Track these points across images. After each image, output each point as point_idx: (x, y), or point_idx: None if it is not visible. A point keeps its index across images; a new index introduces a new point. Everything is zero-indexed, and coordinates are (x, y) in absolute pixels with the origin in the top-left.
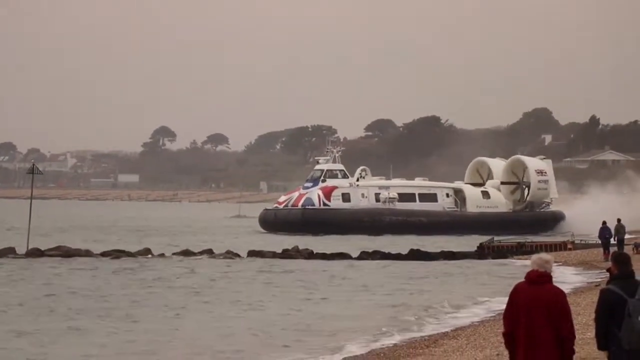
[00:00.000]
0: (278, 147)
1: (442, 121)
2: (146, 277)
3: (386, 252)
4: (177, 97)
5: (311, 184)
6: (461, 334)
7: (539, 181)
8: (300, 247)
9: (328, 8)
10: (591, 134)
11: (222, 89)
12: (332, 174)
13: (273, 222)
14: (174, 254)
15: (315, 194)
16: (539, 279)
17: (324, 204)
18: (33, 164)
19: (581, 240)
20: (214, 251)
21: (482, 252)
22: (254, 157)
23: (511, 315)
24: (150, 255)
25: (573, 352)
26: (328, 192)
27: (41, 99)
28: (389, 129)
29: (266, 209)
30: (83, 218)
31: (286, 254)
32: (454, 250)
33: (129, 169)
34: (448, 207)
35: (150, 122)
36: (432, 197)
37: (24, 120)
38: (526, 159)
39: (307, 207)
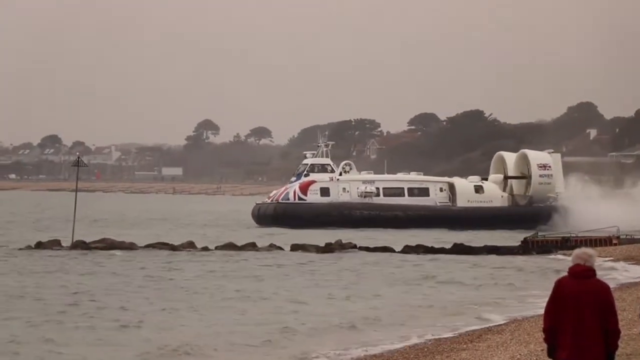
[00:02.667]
0: (321, 140)
1: (486, 115)
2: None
3: (429, 246)
4: (221, 91)
5: (295, 179)
6: (505, 329)
7: (541, 175)
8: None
9: (372, 4)
10: (637, 129)
11: (266, 83)
12: (316, 168)
13: (257, 216)
14: (217, 247)
15: (292, 188)
16: (584, 273)
17: (300, 198)
18: (78, 157)
19: (626, 236)
20: (257, 244)
21: (526, 247)
22: (297, 151)
23: (555, 310)
24: (190, 249)
25: (616, 347)
26: (305, 187)
27: (86, 92)
28: (432, 123)
29: (257, 203)
30: (126, 210)
31: (328, 248)
32: (498, 244)
33: (172, 162)
34: (440, 202)
35: (194, 116)
36: (423, 192)
37: (69, 113)
38: (530, 153)
39: (281, 201)
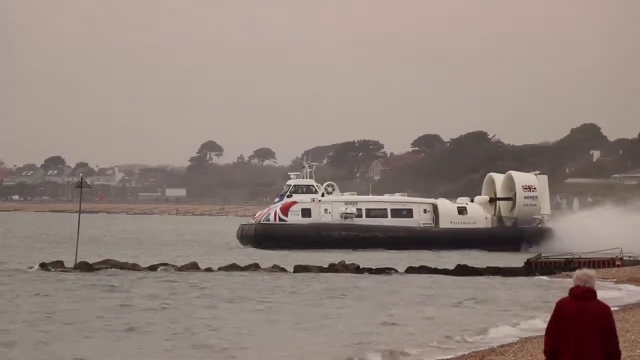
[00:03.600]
0: (324, 161)
1: (490, 136)
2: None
3: (432, 267)
4: (224, 113)
5: (278, 199)
6: (508, 350)
7: (526, 197)
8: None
9: (375, 23)
10: None
11: (269, 105)
12: (299, 189)
13: (241, 237)
14: (219, 268)
15: (274, 209)
16: (585, 295)
17: (280, 219)
18: (82, 178)
19: (630, 257)
20: (260, 265)
21: (529, 268)
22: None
23: (556, 331)
24: (192, 270)
25: None
26: (286, 208)
27: (89, 113)
28: (435, 144)
29: (241, 224)
30: (128, 231)
31: (332, 269)
32: (500, 265)
33: (176, 183)
34: (424, 223)
35: (197, 137)
36: (406, 213)
37: (72, 135)
38: (515, 175)
39: (262, 222)
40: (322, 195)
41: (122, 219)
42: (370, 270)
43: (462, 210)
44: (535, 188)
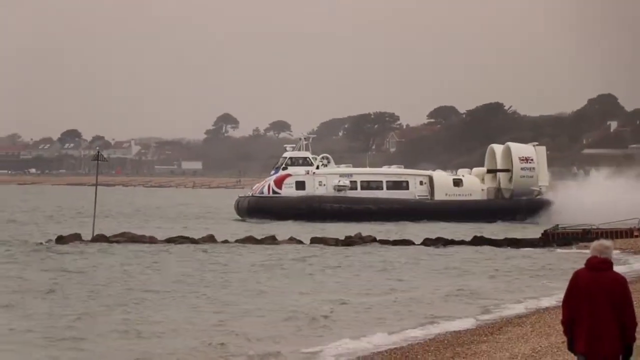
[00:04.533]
0: (340, 134)
1: (506, 108)
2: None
3: (449, 238)
4: (240, 85)
5: (274, 172)
6: (526, 321)
7: (522, 168)
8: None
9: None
10: None
11: (285, 77)
12: (295, 162)
13: (237, 209)
14: (236, 240)
15: (268, 182)
16: (600, 265)
17: (274, 192)
18: (98, 151)
19: None
20: (277, 238)
21: (546, 239)
22: (316, 144)
23: (571, 302)
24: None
25: (634, 339)
26: (279, 180)
27: (105, 87)
28: (451, 116)
29: (239, 196)
30: (145, 204)
31: (349, 241)
32: (518, 237)
33: (192, 156)
34: (419, 195)
35: (213, 110)
36: (403, 185)
37: (88, 108)
38: (512, 146)
39: (256, 195)
40: (317, 167)
41: (138, 192)
42: (387, 242)
43: (457, 182)
44: (532, 159)
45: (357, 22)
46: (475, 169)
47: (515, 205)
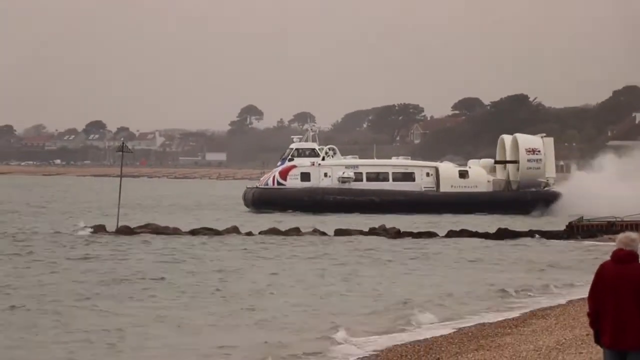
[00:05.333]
0: (365, 125)
1: (531, 99)
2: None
3: (474, 230)
4: (265, 76)
5: (280, 163)
6: (550, 314)
7: (529, 160)
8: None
9: None
10: None
11: (309, 68)
12: (301, 153)
13: (245, 200)
14: (260, 232)
15: (273, 173)
16: (626, 258)
17: (279, 184)
18: (123, 143)
19: None
20: (301, 230)
21: (571, 232)
22: (340, 136)
23: (597, 294)
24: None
25: None
26: (285, 172)
27: (130, 78)
28: (476, 108)
29: (247, 187)
30: (170, 196)
31: (373, 232)
32: (543, 229)
33: (216, 147)
34: (426, 187)
35: (237, 101)
36: (409, 177)
37: (113, 99)
38: (520, 137)
39: (260, 186)
40: (323, 159)
41: (163, 183)
42: (412, 234)
43: (463, 174)
44: (539, 151)
45: (381, 14)
46: (482, 160)
47: (521, 197)
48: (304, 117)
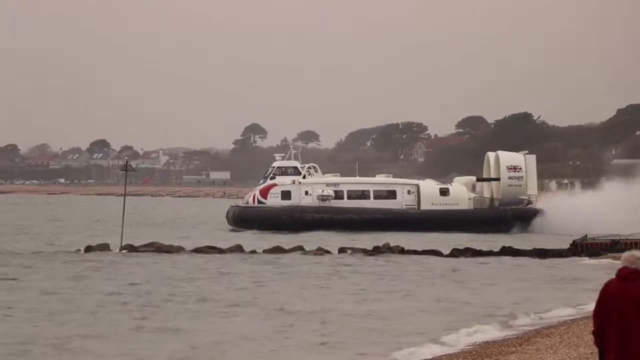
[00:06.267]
0: (368, 144)
1: (534, 118)
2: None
3: (477, 249)
4: (268, 95)
5: (262, 181)
6: (554, 332)
7: (510, 177)
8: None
9: (420, 9)
10: None
11: (313, 87)
12: (284, 172)
13: (227, 219)
14: (264, 250)
15: (254, 192)
16: (630, 276)
17: (259, 202)
18: (127, 161)
19: None
20: (305, 248)
21: (575, 250)
22: (344, 154)
23: (601, 312)
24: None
25: None
26: (265, 191)
27: (134, 97)
28: (480, 126)
29: (231, 205)
30: (172, 214)
31: (377, 250)
32: (547, 247)
33: (220, 166)
34: (407, 205)
35: (241, 120)
36: (390, 194)
37: (117, 118)
38: (502, 155)
39: (241, 205)
40: (304, 177)
41: (166, 202)
42: (415, 252)
43: (444, 192)
44: (520, 168)
45: (386, 32)
46: (464, 178)
47: (501, 215)
48: (308, 136)
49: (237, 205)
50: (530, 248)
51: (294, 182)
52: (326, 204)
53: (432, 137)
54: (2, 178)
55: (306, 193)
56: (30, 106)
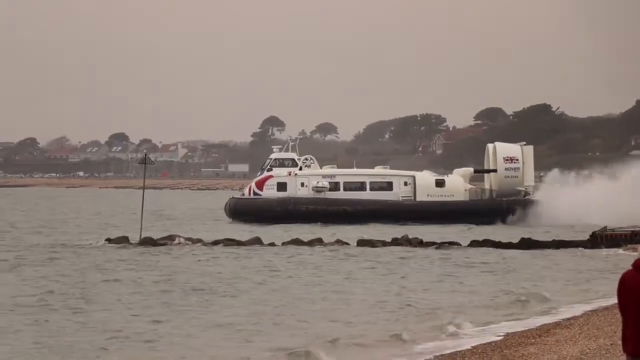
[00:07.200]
0: (387, 136)
1: (553, 109)
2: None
3: (497, 240)
4: (287, 88)
5: (260, 173)
6: (574, 324)
7: (506, 169)
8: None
9: (438, 2)
10: None
11: (331, 79)
12: (281, 163)
13: (225, 211)
14: (283, 243)
15: (250, 184)
16: None
17: (255, 194)
18: (145, 154)
19: None
20: (324, 240)
21: (594, 241)
22: (363, 146)
23: (620, 303)
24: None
25: None
26: (261, 182)
27: (152, 90)
28: (498, 117)
29: (230, 198)
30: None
31: (396, 242)
32: (566, 239)
33: (238, 158)
34: (403, 197)
35: (260, 112)
36: (386, 186)
37: (136, 111)
38: (499, 146)
39: (237, 197)
40: (300, 168)
41: (185, 194)
42: (434, 244)
43: (440, 183)
44: (517, 159)
45: (402, 24)
46: (461, 169)
47: (497, 206)
48: (326, 128)
49: (233, 197)
50: (550, 239)
51: (289, 174)
52: (321, 195)
53: (451, 129)
54: (22, 171)
55: (302, 185)
56: (49, 100)
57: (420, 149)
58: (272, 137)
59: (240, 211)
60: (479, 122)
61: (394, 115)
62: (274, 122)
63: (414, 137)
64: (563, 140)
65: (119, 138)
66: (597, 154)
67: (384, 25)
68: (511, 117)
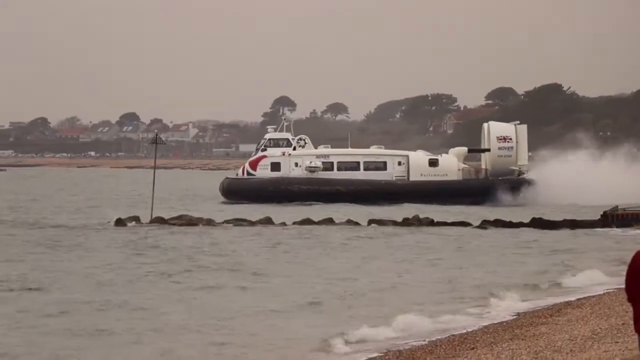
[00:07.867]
0: (398, 115)
1: (564, 88)
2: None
3: (507, 220)
4: (297, 68)
5: (254, 153)
6: (585, 303)
7: (500, 148)
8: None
9: None
10: None
11: (341, 59)
12: (275, 143)
13: (220, 190)
14: (294, 222)
15: (245, 164)
16: None
17: (248, 174)
18: (156, 134)
19: None
20: (335, 220)
21: (605, 220)
22: (373, 126)
23: (630, 282)
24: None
25: None
26: (254, 162)
27: (163, 69)
28: (509, 97)
29: (225, 178)
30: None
31: (407, 222)
32: (577, 218)
33: (249, 138)
34: (397, 176)
35: (270, 92)
36: (380, 166)
37: (147, 91)
38: (492, 125)
39: (230, 177)
40: (294, 148)
41: (196, 174)
42: (445, 224)
43: (433, 162)
44: (510, 138)
45: (414, 3)
46: (455, 149)
47: (490, 185)
48: (337, 108)
49: (228, 177)
50: (561, 219)
51: (283, 154)
52: (314, 175)
53: (462, 108)
54: (33, 151)
55: (296, 165)
56: (60, 80)
57: (431, 128)
58: (282, 117)
59: (234, 191)
60: (489, 102)
61: (404, 95)
62: (284, 102)
63: (425, 117)
64: (574, 119)
65: (130, 118)
66: (608, 133)
67: (395, 6)
68: (522, 97)
